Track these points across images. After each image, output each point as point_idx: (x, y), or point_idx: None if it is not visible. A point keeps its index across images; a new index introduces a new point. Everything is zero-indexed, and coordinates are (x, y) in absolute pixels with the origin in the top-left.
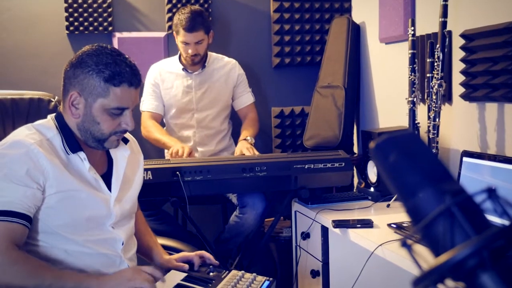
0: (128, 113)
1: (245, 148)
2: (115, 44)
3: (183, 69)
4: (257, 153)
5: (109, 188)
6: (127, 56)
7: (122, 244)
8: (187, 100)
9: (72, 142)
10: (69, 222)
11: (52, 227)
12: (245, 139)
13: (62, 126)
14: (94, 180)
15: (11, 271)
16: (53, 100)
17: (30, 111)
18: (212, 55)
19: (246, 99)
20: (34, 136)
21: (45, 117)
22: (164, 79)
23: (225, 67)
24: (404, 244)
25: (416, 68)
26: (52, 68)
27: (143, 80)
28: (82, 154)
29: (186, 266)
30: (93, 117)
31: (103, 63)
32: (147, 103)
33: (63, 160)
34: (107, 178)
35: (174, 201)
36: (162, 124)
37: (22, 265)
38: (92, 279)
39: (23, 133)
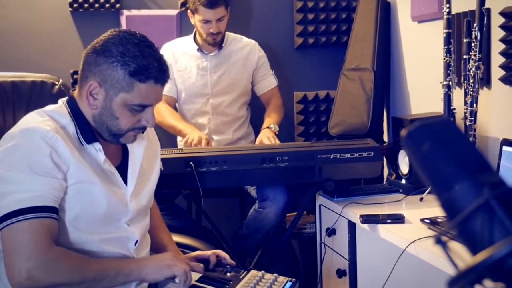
0: (150, 110)
1: (265, 137)
2: (123, 23)
3: (198, 49)
4: (278, 142)
5: (125, 181)
6: (156, 47)
7: (136, 243)
8: (202, 83)
9: (88, 132)
10: (83, 217)
11: (65, 223)
12: (268, 127)
13: (76, 114)
14: (109, 172)
15: (56, 269)
16: (57, 83)
17: (32, 95)
18: (230, 35)
19: (268, 82)
20: (49, 123)
21: (49, 102)
22: (177, 60)
23: (244, 48)
24: (438, 241)
25: (452, 49)
26: (55, 48)
27: None
28: (97, 145)
29: (201, 266)
30: (112, 111)
31: (129, 55)
32: None
33: (79, 149)
34: (122, 170)
35: (188, 194)
36: (175, 109)
37: (65, 261)
38: (132, 264)
39: (36, 120)
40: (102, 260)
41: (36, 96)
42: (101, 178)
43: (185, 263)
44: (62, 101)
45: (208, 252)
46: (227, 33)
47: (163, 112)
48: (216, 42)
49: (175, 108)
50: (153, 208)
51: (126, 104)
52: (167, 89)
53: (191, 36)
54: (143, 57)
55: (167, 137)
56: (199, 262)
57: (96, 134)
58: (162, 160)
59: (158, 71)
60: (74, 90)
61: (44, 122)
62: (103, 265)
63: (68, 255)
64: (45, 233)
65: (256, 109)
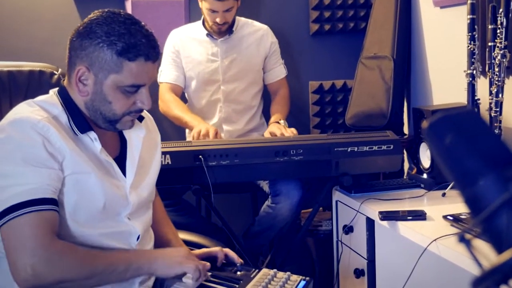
0: (144, 90)
1: (276, 129)
2: (128, 9)
3: (207, 34)
4: (291, 133)
5: (124, 173)
6: (143, 24)
7: (138, 238)
8: (212, 69)
9: (81, 121)
10: (81, 210)
11: (63, 216)
12: (277, 122)
13: (68, 103)
14: (106, 163)
15: (61, 264)
16: (56, 72)
17: (30, 85)
18: (240, 19)
19: (278, 72)
20: (40, 113)
21: (47, 92)
22: (185, 46)
23: (256, 33)
24: (462, 239)
25: (476, 36)
26: (55, 36)
27: (161, 49)
28: (92, 134)
29: (208, 265)
30: (104, 96)
31: (115, 34)
32: (166, 74)
33: (73, 139)
34: (120, 162)
35: (197, 189)
36: (183, 99)
37: (71, 255)
38: (142, 259)
39: (26, 110)
40: (111, 253)
41: (34, 86)
42: (98, 169)
43: (198, 263)
44: (53, 91)
45: (216, 249)
46: (237, 17)
47: (169, 103)
48: (221, 32)
49: (183, 98)
50: (156, 202)
51: (118, 86)
52: (174, 78)
53: (200, 21)
54: (130, 34)
55: (175, 129)
56: (206, 260)
57: (91, 123)
58: (170, 153)
59: (148, 47)
60: (64, 79)
61: (35, 112)
62: (112, 258)
63: (73, 249)
64: (47, 227)
65: (268, 101)
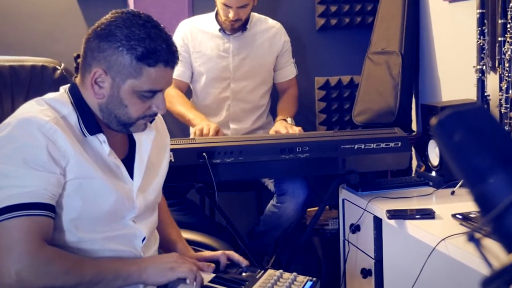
0: (161, 95)
1: (282, 127)
2: (130, 3)
3: (220, 29)
4: (297, 130)
5: (131, 175)
6: (162, 27)
7: (143, 240)
8: (223, 66)
9: (91, 122)
10: (86, 215)
11: (65, 221)
12: (284, 120)
13: (79, 103)
14: (114, 166)
15: (48, 271)
16: (59, 68)
17: (32, 81)
18: (254, 15)
19: (289, 71)
20: (48, 113)
21: (50, 88)
22: (195, 39)
23: (269, 31)
24: (471, 238)
25: (486, 30)
26: (57, 31)
27: None
28: (101, 136)
29: (212, 266)
30: (121, 100)
31: (135, 38)
32: None
33: (80, 141)
34: (128, 164)
35: (200, 187)
36: (187, 94)
37: (58, 263)
38: (132, 266)
39: (35, 109)
40: (100, 261)
41: (36, 81)
42: (104, 173)
43: (192, 262)
44: (64, 89)
45: (218, 253)
46: (252, 13)
47: (173, 99)
48: (234, 28)
49: (188, 93)
50: (160, 202)
51: (135, 91)
52: (179, 73)
53: (213, 14)
54: (150, 39)
55: (178, 125)
56: (210, 262)
57: (101, 124)
58: (173, 150)
59: (168, 53)
60: (76, 77)
61: (43, 112)
62: (100, 266)
63: (61, 256)
64: (38, 232)
65: (277, 100)
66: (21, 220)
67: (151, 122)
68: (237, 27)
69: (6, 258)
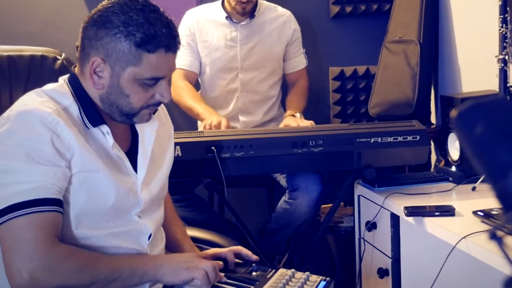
0: (164, 82)
1: (292, 121)
2: None
3: (226, 17)
4: (308, 124)
5: (134, 168)
6: (162, 11)
7: (149, 237)
8: (230, 56)
9: (93, 114)
10: (90, 210)
11: (69, 217)
12: (293, 115)
13: (80, 94)
14: (117, 158)
15: (62, 270)
16: (59, 57)
17: (31, 71)
18: (263, 3)
19: (298, 62)
20: (49, 105)
21: (50, 78)
22: (202, 28)
23: (279, 19)
24: (493, 236)
25: (508, 18)
26: (57, 19)
27: None
28: (105, 128)
29: (221, 264)
30: (121, 89)
31: (133, 24)
32: (180, 59)
33: (83, 133)
34: (131, 156)
35: (209, 183)
36: (197, 85)
37: (72, 261)
38: (148, 264)
39: (35, 101)
40: (115, 258)
41: (35, 72)
42: (108, 166)
43: (210, 263)
44: (64, 80)
45: (224, 250)
46: (259, 1)
47: (181, 91)
48: (245, 12)
49: (196, 84)
50: (165, 198)
51: (136, 79)
52: (188, 64)
53: (219, 2)
54: (149, 24)
55: (186, 118)
56: (218, 260)
57: (103, 115)
58: (180, 144)
59: (168, 38)
60: (76, 66)
61: (44, 104)
62: (116, 264)
63: (75, 253)
64: (49, 229)
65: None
66: (30, 218)
67: (155, 112)
68: (248, 10)
69: (17, 258)
